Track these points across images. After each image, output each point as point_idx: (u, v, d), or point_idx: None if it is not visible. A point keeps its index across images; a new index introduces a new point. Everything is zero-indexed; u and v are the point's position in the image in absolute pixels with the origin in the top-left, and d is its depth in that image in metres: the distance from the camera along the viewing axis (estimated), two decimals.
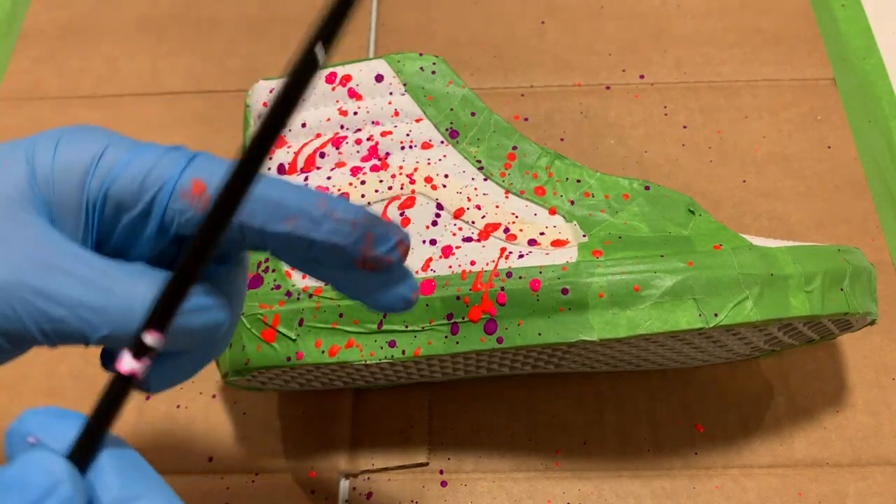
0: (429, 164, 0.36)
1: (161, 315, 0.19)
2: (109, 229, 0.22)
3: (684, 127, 0.48)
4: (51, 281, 0.20)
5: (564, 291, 0.31)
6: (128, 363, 0.19)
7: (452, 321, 0.32)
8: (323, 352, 0.33)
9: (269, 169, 0.37)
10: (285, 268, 0.35)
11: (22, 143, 0.22)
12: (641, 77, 0.50)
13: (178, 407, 0.40)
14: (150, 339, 0.19)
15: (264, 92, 0.39)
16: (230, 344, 0.34)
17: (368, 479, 0.38)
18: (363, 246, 0.22)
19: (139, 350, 0.19)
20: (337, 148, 0.37)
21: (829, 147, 0.47)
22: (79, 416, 0.20)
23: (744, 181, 0.46)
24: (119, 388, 0.19)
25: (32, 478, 0.18)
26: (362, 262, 0.22)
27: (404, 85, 0.37)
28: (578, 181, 0.35)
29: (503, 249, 0.33)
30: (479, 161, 0.36)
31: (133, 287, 0.21)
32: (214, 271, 0.24)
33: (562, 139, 0.48)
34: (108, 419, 0.19)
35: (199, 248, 0.19)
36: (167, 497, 0.19)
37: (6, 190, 0.21)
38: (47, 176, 0.22)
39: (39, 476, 0.18)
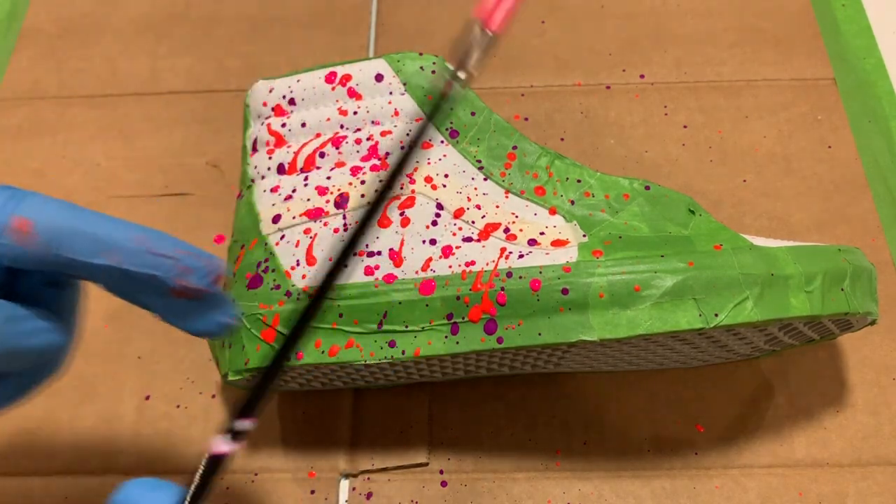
0: (429, 163, 0.36)
1: None
2: None
3: (684, 127, 0.48)
4: None
5: (564, 291, 0.31)
6: None
7: (452, 321, 0.32)
8: (323, 352, 0.33)
9: (269, 169, 0.37)
10: (285, 268, 0.34)
11: None
12: (642, 77, 0.50)
13: (177, 407, 0.40)
14: None
15: (264, 92, 0.39)
16: (230, 344, 0.34)
17: (368, 479, 0.38)
18: (177, 277, 0.24)
19: None
20: (337, 147, 0.37)
21: (829, 147, 0.47)
22: (173, 486, 0.22)
23: (744, 181, 0.46)
24: None
25: None
26: (177, 291, 0.24)
27: (404, 84, 0.37)
28: (578, 181, 0.35)
29: (503, 249, 0.33)
30: (479, 161, 0.36)
31: None
32: (48, 294, 0.26)
33: (562, 139, 0.48)
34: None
35: None
36: None
37: None
38: None
39: None
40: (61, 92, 0.51)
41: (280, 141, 0.38)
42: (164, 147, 0.49)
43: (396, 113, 0.37)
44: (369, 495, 0.38)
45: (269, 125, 0.38)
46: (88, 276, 0.24)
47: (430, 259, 0.33)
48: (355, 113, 0.37)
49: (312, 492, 0.38)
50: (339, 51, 0.52)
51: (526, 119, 0.48)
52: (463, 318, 0.32)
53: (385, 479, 0.38)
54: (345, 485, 0.38)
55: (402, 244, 0.34)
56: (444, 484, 0.38)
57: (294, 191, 0.36)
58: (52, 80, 0.52)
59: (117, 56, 0.52)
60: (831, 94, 0.49)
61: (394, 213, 0.35)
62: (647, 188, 0.35)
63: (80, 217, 0.24)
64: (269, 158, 0.38)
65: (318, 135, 0.37)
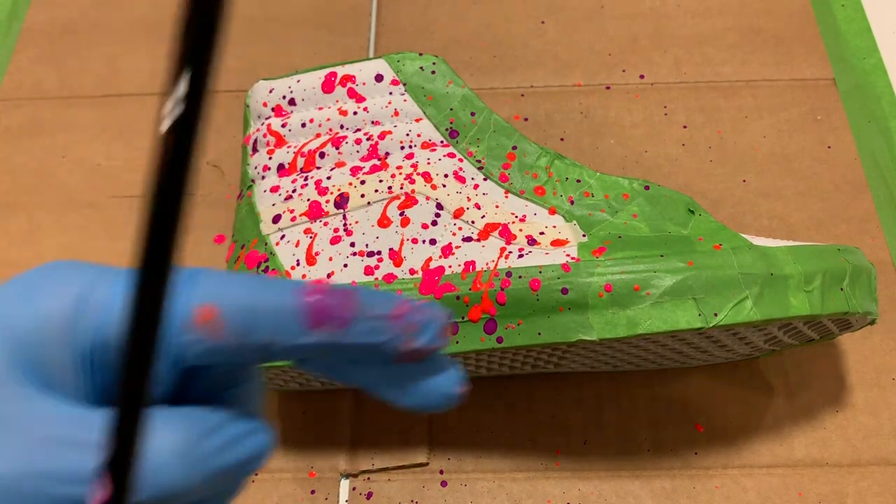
0: (428, 163, 0.36)
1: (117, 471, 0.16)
2: (109, 376, 0.19)
3: (684, 127, 0.48)
4: (57, 458, 0.17)
5: (564, 291, 0.31)
6: None
7: (452, 321, 0.32)
8: None
9: (269, 169, 0.37)
10: (285, 268, 0.34)
11: None
12: (641, 77, 0.50)
13: None
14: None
15: (264, 92, 0.39)
16: None
17: (368, 478, 0.38)
18: (403, 340, 0.19)
19: None
20: (337, 148, 0.37)
21: (828, 147, 0.47)
22: None
23: (744, 181, 0.46)
24: None
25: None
26: (401, 356, 0.20)
27: (404, 85, 0.37)
28: (578, 181, 0.35)
29: (503, 249, 0.33)
30: (479, 161, 0.36)
31: (154, 443, 0.17)
32: (227, 395, 0.21)
33: (562, 139, 0.48)
34: None
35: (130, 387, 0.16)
36: None
37: None
38: (26, 337, 0.18)
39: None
40: (62, 92, 0.51)
41: (280, 141, 0.38)
42: None
43: (396, 113, 0.37)
44: (369, 495, 0.38)
45: (269, 125, 0.38)
46: (287, 358, 0.19)
47: (429, 259, 0.33)
48: (355, 113, 0.37)
49: (313, 492, 0.38)
50: (339, 51, 0.52)
51: (526, 119, 0.48)
52: (462, 318, 0.32)
53: (385, 478, 0.38)
54: (345, 485, 0.38)
55: (401, 244, 0.34)
56: (444, 484, 0.38)
57: (294, 191, 0.36)
58: (52, 80, 0.52)
59: (118, 56, 0.53)
60: (831, 94, 0.49)
61: (394, 213, 0.35)
62: (647, 188, 0.35)
63: (268, 289, 0.19)
64: (270, 158, 0.38)
65: (318, 135, 0.37)
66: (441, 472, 0.38)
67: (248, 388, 0.21)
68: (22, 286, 0.19)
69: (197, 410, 0.19)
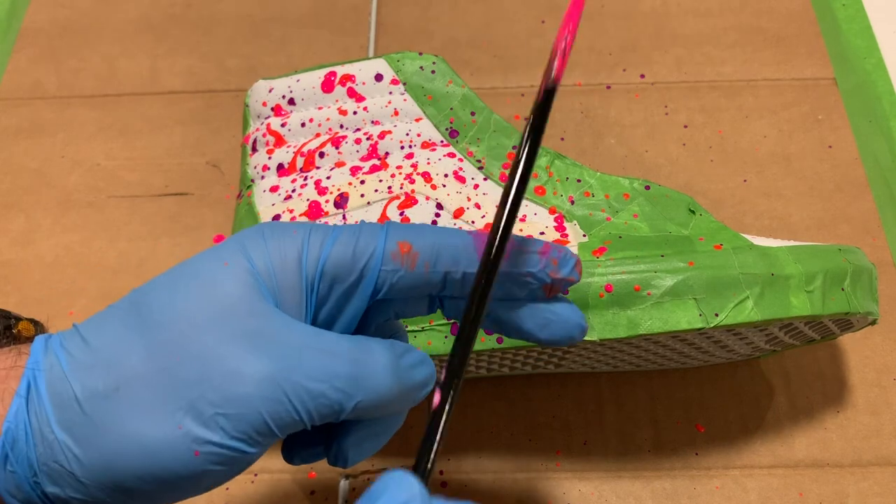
0: (428, 163, 0.36)
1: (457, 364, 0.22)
2: (321, 303, 0.24)
3: (685, 126, 0.48)
4: (309, 361, 0.22)
5: (564, 291, 0.31)
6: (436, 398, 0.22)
7: (452, 321, 0.32)
8: None
9: (269, 168, 0.37)
10: None
11: (229, 245, 0.24)
12: (642, 76, 0.50)
13: None
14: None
15: (264, 91, 0.38)
16: None
17: (368, 479, 0.38)
18: (550, 270, 0.25)
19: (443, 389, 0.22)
20: (336, 147, 0.37)
21: (829, 147, 0.47)
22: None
23: (744, 181, 0.45)
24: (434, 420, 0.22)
25: (394, 491, 0.19)
26: (550, 287, 0.25)
27: (404, 84, 0.37)
28: (578, 181, 0.35)
29: None
30: (479, 161, 0.36)
31: (373, 355, 0.23)
32: (389, 330, 0.27)
33: (562, 139, 0.48)
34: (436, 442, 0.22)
35: (481, 293, 0.23)
36: None
37: (236, 288, 0.23)
38: (267, 267, 0.23)
39: (400, 490, 0.19)
40: (61, 92, 0.51)
41: (280, 141, 0.38)
42: (163, 147, 0.49)
43: (396, 113, 0.37)
44: None
45: (268, 125, 0.38)
46: (464, 287, 0.24)
47: None
48: (355, 113, 0.37)
49: (312, 492, 0.38)
50: (339, 51, 0.52)
51: (526, 119, 0.48)
52: None
53: None
54: (344, 485, 0.38)
55: None
56: (444, 485, 0.38)
57: (294, 191, 0.36)
58: (51, 80, 0.52)
59: (117, 56, 0.52)
60: (832, 93, 0.48)
61: (393, 213, 0.34)
62: (647, 188, 0.35)
63: (446, 230, 0.25)
64: (269, 158, 0.37)
65: (318, 135, 0.37)
66: (441, 472, 0.38)
67: (402, 330, 0.28)
68: (257, 233, 0.24)
69: (389, 340, 0.24)
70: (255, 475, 0.38)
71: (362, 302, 0.24)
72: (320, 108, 0.38)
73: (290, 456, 0.26)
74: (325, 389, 0.22)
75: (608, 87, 0.49)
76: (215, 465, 0.22)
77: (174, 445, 0.21)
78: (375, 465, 0.38)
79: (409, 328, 0.32)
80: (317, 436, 0.26)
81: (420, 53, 0.38)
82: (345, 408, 0.22)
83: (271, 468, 0.38)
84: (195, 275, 0.23)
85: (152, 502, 0.22)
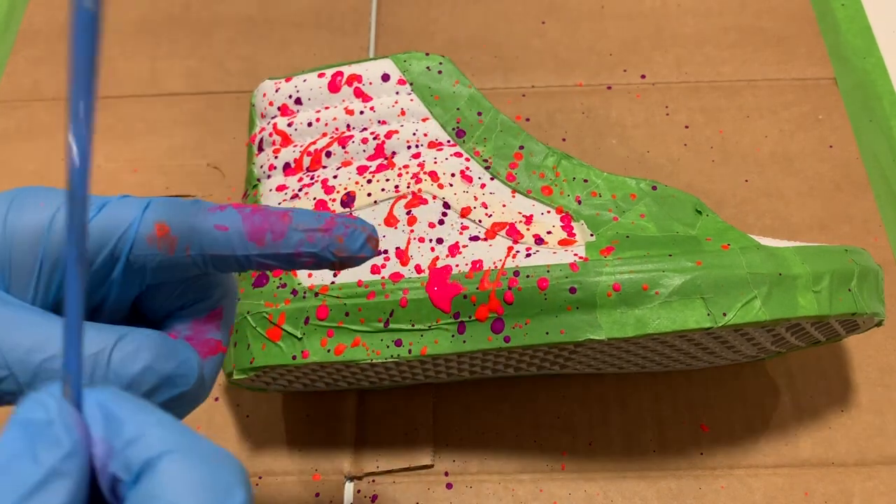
0: (435, 163, 0.36)
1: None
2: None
3: (686, 127, 0.48)
4: (23, 333, 0.21)
5: (572, 290, 0.30)
6: None
7: (459, 320, 0.32)
8: (328, 350, 0.32)
9: (275, 168, 0.37)
10: None
11: None
12: (643, 77, 0.50)
13: None
14: None
15: (270, 91, 0.38)
16: (235, 342, 0.34)
17: (373, 481, 0.38)
18: (335, 249, 0.23)
19: None
20: (343, 147, 0.37)
21: (830, 146, 0.47)
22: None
23: (746, 181, 0.45)
24: None
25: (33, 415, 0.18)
26: (338, 264, 0.23)
27: (411, 84, 0.37)
28: (585, 181, 0.35)
29: (510, 248, 0.33)
30: (486, 160, 0.36)
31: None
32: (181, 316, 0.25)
33: (563, 139, 0.47)
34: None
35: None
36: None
37: None
38: (4, 240, 0.22)
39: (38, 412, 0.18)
40: (60, 93, 0.51)
41: (286, 140, 0.38)
42: (164, 149, 0.48)
43: (403, 112, 0.37)
44: (374, 498, 0.37)
45: (275, 124, 0.38)
46: (242, 268, 0.23)
47: (436, 258, 0.33)
48: (362, 113, 0.37)
49: (317, 494, 0.38)
50: (339, 51, 0.52)
51: (528, 119, 0.48)
52: (470, 317, 0.32)
53: (390, 481, 0.38)
54: (349, 487, 0.38)
55: (408, 243, 0.34)
56: (449, 486, 0.38)
57: (300, 190, 0.36)
58: (50, 81, 0.52)
59: (116, 57, 0.52)
60: (832, 93, 0.49)
61: (400, 213, 0.34)
62: (654, 188, 0.35)
63: (214, 211, 0.23)
64: (276, 158, 0.37)
65: (325, 134, 0.37)
66: (446, 473, 0.38)
67: (194, 310, 0.25)
68: (3, 201, 0.22)
69: (110, 326, 0.21)
70: (260, 478, 0.38)
71: (124, 287, 0.23)
72: (327, 108, 0.38)
73: None
74: (41, 360, 0.20)
75: (609, 88, 0.49)
76: None
77: None
78: (380, 466, 0.38)
79: (416, 327, 0.32)
80: None
81: (427, 53, 0.38)
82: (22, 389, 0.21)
83: (275, 471, 0.38)
84: None
85: None
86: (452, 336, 0.32)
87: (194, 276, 0.24)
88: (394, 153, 0.36)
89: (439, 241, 0.34)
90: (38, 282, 0.22)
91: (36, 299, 0.22)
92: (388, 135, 0.36)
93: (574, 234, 0.33)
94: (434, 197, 0.35)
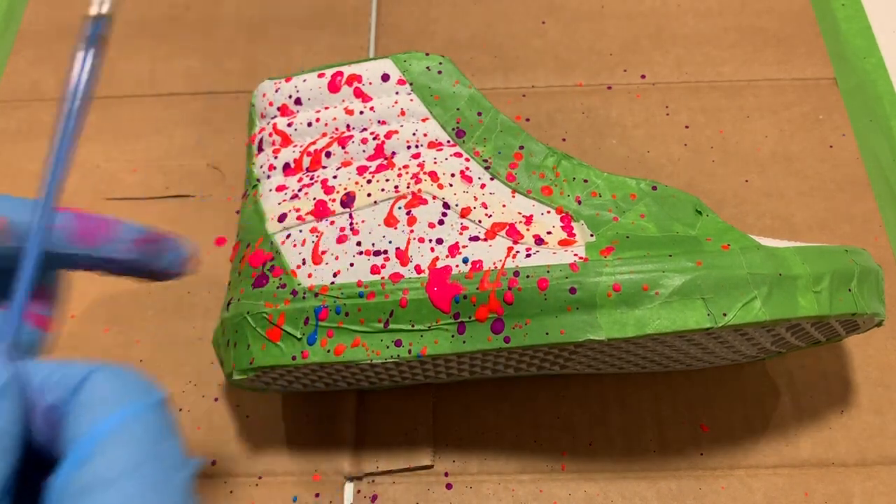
0: (435, 163, 0.36)
1: None
2: None
3: (686, 127, 0.48)
4: None
5: (572, 290, 0.30)
6: None
7: (459, 320, 0.32)
8: (328, 351, 0.32)
9: (275, 168, 0.37)
10: (291, 266, 0.34)
11: None
12: (643, 77, 0.50)
13: (180, 410, 0.40)
14: None
15: (270, 91, 0.38)
16: (235, 343, 0.34)
17: (373, 481, 0.38)
18: (149, 262, 0.27)
19: None
20: (343, 147, 0.37)
21: (830, 146, 0.47)
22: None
23: (746, 181, 0.45)
24: None
25: None
26: (150, 275, 0.27)
27: (411, 85, 0.37)
28: (585, 181, 0.35)
29: (510, 248, 0.33)
30: (486, 161, 0.36)
31: None
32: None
33: (563, 139, 0.47)
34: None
35: None
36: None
37: None
38: None
39: None
40: (59, 94, 0.51)
41: (286, 140, 0.38)
42: (164, 149, 0.48)
43: (403, 112, 0.37)
44: (374, 498, 0.37)
45: (275, 125, 0.38)
46: (64, 265, 0.26)
47: (436, 258, 0.33)
48: (361, 113, 0.37)
49: (317, 495, 0.37)
50: (339, 51, 0.52)
51: (527, 119, 0.48)
52: (470, 318, 0.31)
53: (390, 481, 0.38)
54: (349, 488, 0.38)
55: (408, 243, 0.34)
56: (449, 486, 0.38)
57: (300, 190, 0.36)
58: (50, 81, 0.51)
59: (116, 57, 0.52)
60: (832, 93, 0.49)
61: (400, 213, 0.34)
62: (654, 188, 0.35)
63: (51, 211, 0.25)
64: (275, 158, 0.37)
65: (325, 134, 0.37)
66: (446, 474, 0.38)
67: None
68: None
69: None
70: (259, 478, 0.38)
71: None
72: (327, 108, 0.38)
73: None
74: None
75: (609, 88, 0.49)
76: None
77: None
78: (380, 466, 0.38)
79: (416, 327, 0.32)
80: None
81: (427, 54, 0.38)
82: None
83: (275, 471, 0.38)
84: None
85: None
86: (452, 336, 0.32)
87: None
88: (394, 153, 0.36)
89: (439, 241, 0.34)
90: None
91: None
92: (388, 135, 0.36)
93: (574, 235, 0.33)
94: (434, 197, 0.35)
